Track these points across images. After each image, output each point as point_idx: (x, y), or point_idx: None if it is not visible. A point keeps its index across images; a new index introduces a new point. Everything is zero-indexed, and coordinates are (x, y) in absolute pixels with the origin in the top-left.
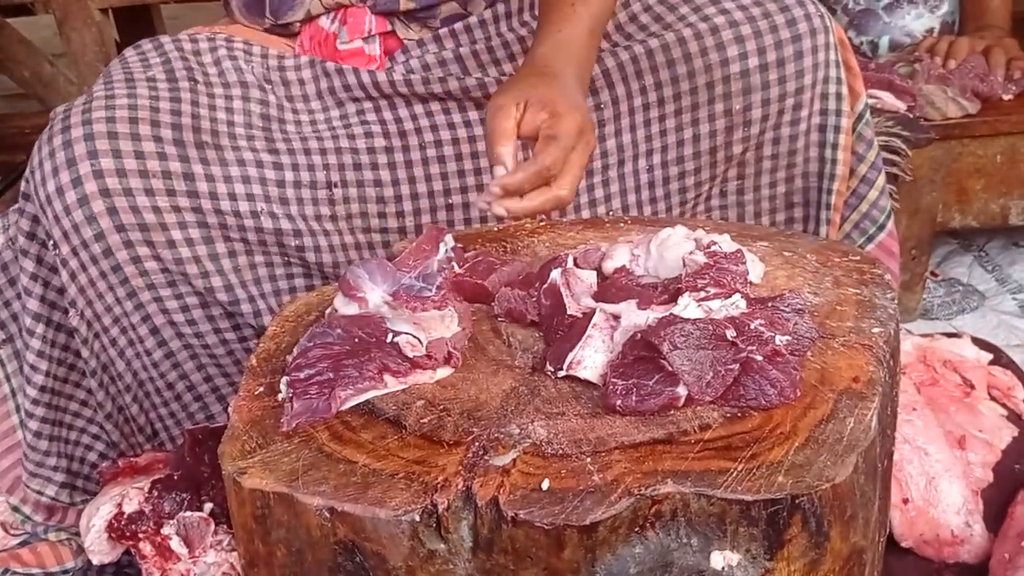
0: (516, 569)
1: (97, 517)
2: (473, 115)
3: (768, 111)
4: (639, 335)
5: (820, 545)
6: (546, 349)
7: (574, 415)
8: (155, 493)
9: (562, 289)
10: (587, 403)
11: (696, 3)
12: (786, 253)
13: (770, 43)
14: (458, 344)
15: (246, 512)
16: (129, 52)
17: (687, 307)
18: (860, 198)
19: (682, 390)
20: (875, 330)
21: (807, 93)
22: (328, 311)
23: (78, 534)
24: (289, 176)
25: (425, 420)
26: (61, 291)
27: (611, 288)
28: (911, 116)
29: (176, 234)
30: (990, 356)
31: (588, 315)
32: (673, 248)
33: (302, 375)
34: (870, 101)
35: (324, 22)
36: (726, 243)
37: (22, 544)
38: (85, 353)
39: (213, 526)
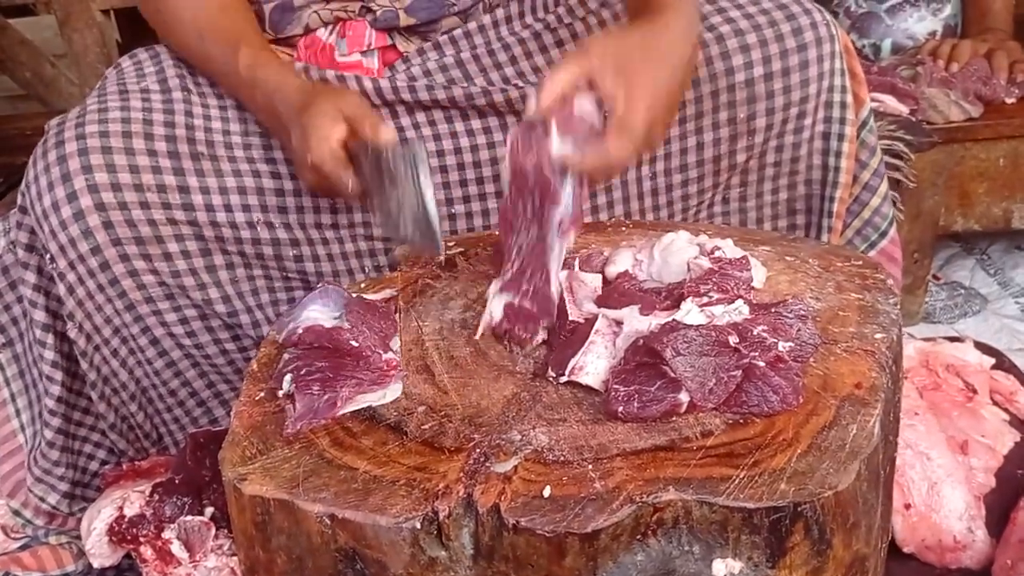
0: None
1: (98, 520)
2: (476, 123)
3: (772, 120)
4: (641, 341)
5: (822, 553)
6: (548, 354)
7: (576, 421)
8: (156, 497)
9: (565, 293)
10: (589, 409)
11: (702, 12)
12: (788, 258)
13: (775, 52)
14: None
15: (246, 518)
16: (124, 61)
17: (690, 313)
18: (863, 205)
19: (684, 396)
20: (877, 336)
21: (812, 102)
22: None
23: (79, 538)
24: (288, 185)
25: (426, 426)
26: (61, 301)
27: (614, 293)
28: (914, 120)
29: (172, 247)
30: (992, 360)
31: (591, 321)
32: (677, 253)
33: (303, 371)
34: (872, 104)
35: (322, 34)
36: (730, 248)
37: (23, 548)
38: (84, 365)
39: (214, 530)
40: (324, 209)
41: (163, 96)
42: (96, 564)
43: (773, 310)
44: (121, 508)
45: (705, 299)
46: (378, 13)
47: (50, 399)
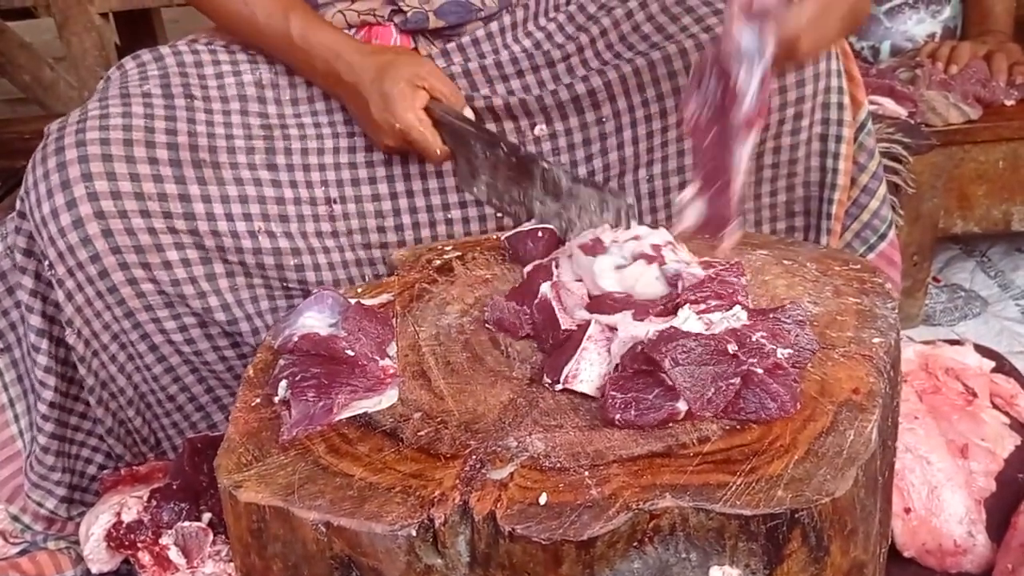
0: None
1: (96, 526)
2: None
3: (768, 121)
4: (639, 348)
5: (820, 560)
6: (543, 360)
7: (572, 427)
8: (154, 502)
9: (553, 303)
10: (585, 415)
11: (698, 13)
12: (786, 261)
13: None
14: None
15: (242, 526)
16: (128, 63)
17: (687, 319)
18: (861, 208)
19: (682, 405)
20: (875, 340)
21: (808, 103)
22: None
23: (77, 543)
24: (288, 193)
25: (422, 433)
26: (59, 306)
27: (606, 300)
28: (912, 122)
29: (172, 255)
30: (992, 364)
31: (583, 327)
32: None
33: (299, 377)
34: (871, 107)
35: None
36: (688, 265)
37: (22, 553)
38: (82, 371)
39: (211, 536)
40: (323, 217)
41: (166, 101)
42: (94, 569)
43: (771, 316)
44: (119, 514)
45: (702, 306)
46: (408, 14)
47: (43, 404)
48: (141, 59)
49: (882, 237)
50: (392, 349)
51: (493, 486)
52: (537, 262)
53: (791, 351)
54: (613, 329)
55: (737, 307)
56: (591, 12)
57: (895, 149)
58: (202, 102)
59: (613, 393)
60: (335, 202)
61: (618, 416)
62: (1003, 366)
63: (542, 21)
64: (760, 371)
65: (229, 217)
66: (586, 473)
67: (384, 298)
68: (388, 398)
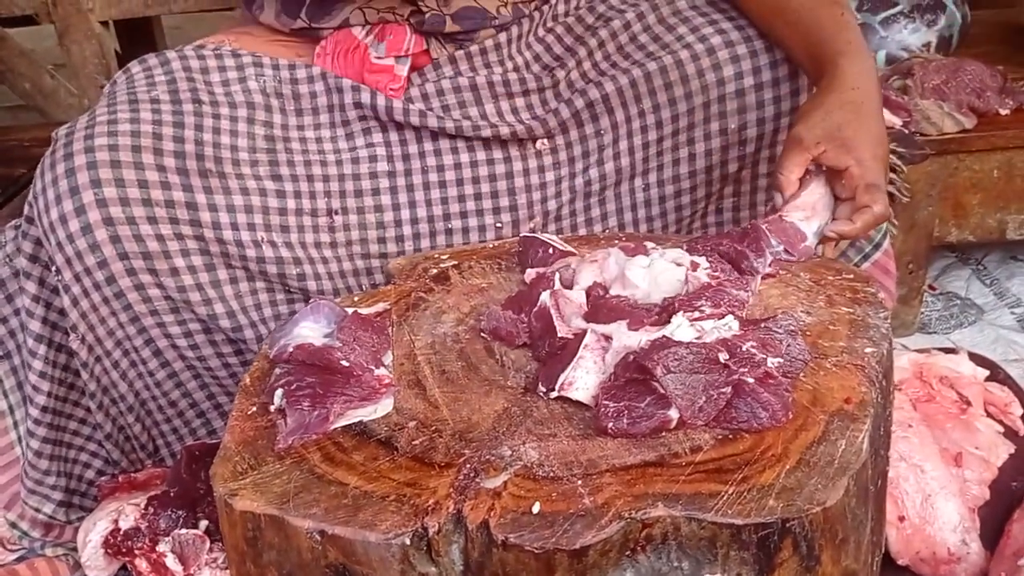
0: None
1: (94, 532)
2: (475, 140)
3: (763, 130)
4: (632, 357)
5: (811, 569)
6: (539, 369)
7: (566, 436)
8: (151, 510)
9: (552, 312)
10: (579, 424)
11: (694, 23)
12: (780, 271)
13: (765, 62)
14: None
15: (237, 534)
16: (135, 68)
17: (680, 327)
18: None
19: (674, 413)
20: (868, 350)
21: None
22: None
23: (75, 549)
24: (291, 204)
25: (417, 441)
26: (63, 312)
27: (602, 308)
28: (906, 132)
29: (179, 262)
30: (986, 372)
31: (579, 336)
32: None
33: (294, 386)
34: None
35: (358, 32)
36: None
37: (19, 560)
38: (84, 376)
39: (208, 543)
40: (323, 228)
41: (173, 107)
42: None
43: (763, 325)
44: (117, 520)
45: (696, 313)
46: (427, 16)
47: (35, 409)
48: (147, 64)
49: (877, 246)
50: (388, 358)
51: (487, 495)
52: (540, 270)
53: (782, 360)
54: (609, 338)
55: (729, 316)
56: (589, 23)
57: (889, 159)
58: (210, 107)
59: (606, 402)
60: (337, 213)
61: (611, 425)
62: (997, 374)
63: (541, 32)
64: (751, 380)
65: (234, 226)
66: (579, 482)
67: (380, 307)
68: (383, 407)
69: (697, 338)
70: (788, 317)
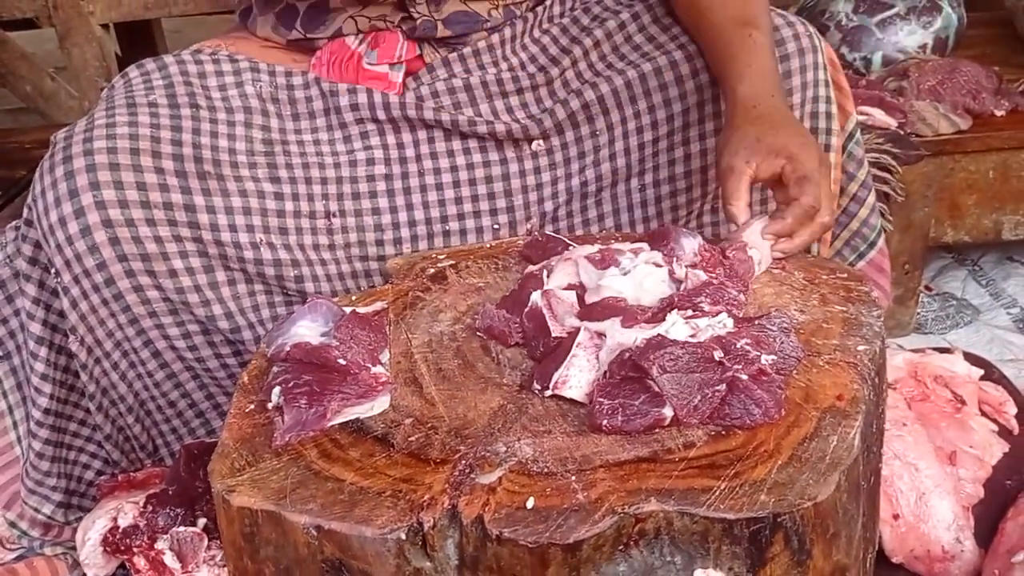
0: None
1: (92, 531)
2: (472, 143)
3: None
4: (627, 355)
5: (802, 563)
6: (534, 367)
7: (560, 433)
8: (150, 508)
9: (544, 312)
10: (573, 421)
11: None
12: (774, 270)
13: None
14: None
15: (235, 530)
16: (132, 72)
17: (675, 325)
18: (850, 216)
19: (668, 411)
20: (860, 348)
21: (796, 112)
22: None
23: (74, 548)
24: (289, 206)
25: (413, 438)
26: (62, 314)
27: (596, 306)
28: (902, 133)
29: (177, 263)
30: (981, 371)
31: (573, 334)
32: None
33: (291, 384)
34: (861, 118)
35: (351, 41)
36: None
37: (18, 559)
38: (84, 378)
39: (206, 541)
40: (321, 231)
41: (171, 111)
42: (90, 574)
43: (757, 323)
44: (115, 519)
45: (691, 311)
46: (418, 22)
47: (37, 410)
48: (145, 68)
49: (872, 245)
50: (385, 356)
51: (482, 490)
52: (529, 269)
53: (776, 358)
54: (602, 336)
55: (723, 314)
56: (584, 24)
57: (884, 159)
58: (207, 112)
59: (601, 399)
60: (334, 215)
61: (605, 422)
62: (992, 374)
63: (536, 33)
64: (745, 377)
65: (232, 228)
66: (573, 478)
67: (378, 306)
68: (380, 404)
69: (691, 336)
70: (782, 315)
